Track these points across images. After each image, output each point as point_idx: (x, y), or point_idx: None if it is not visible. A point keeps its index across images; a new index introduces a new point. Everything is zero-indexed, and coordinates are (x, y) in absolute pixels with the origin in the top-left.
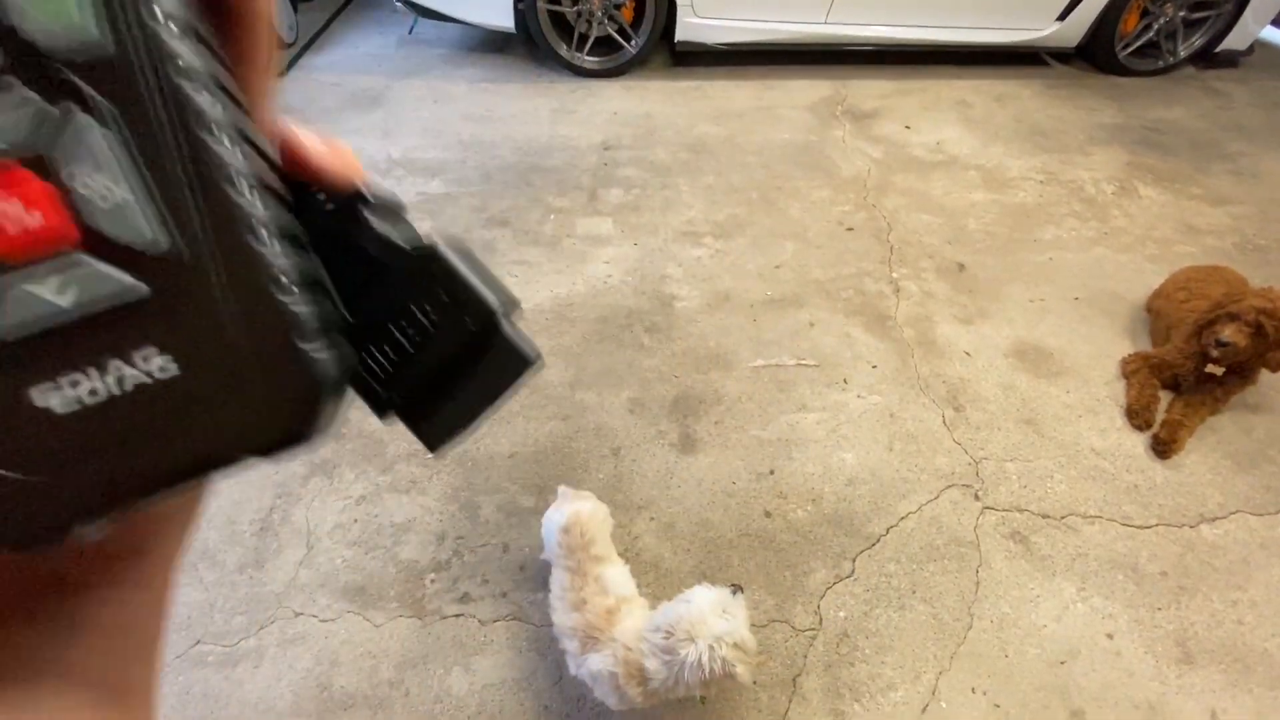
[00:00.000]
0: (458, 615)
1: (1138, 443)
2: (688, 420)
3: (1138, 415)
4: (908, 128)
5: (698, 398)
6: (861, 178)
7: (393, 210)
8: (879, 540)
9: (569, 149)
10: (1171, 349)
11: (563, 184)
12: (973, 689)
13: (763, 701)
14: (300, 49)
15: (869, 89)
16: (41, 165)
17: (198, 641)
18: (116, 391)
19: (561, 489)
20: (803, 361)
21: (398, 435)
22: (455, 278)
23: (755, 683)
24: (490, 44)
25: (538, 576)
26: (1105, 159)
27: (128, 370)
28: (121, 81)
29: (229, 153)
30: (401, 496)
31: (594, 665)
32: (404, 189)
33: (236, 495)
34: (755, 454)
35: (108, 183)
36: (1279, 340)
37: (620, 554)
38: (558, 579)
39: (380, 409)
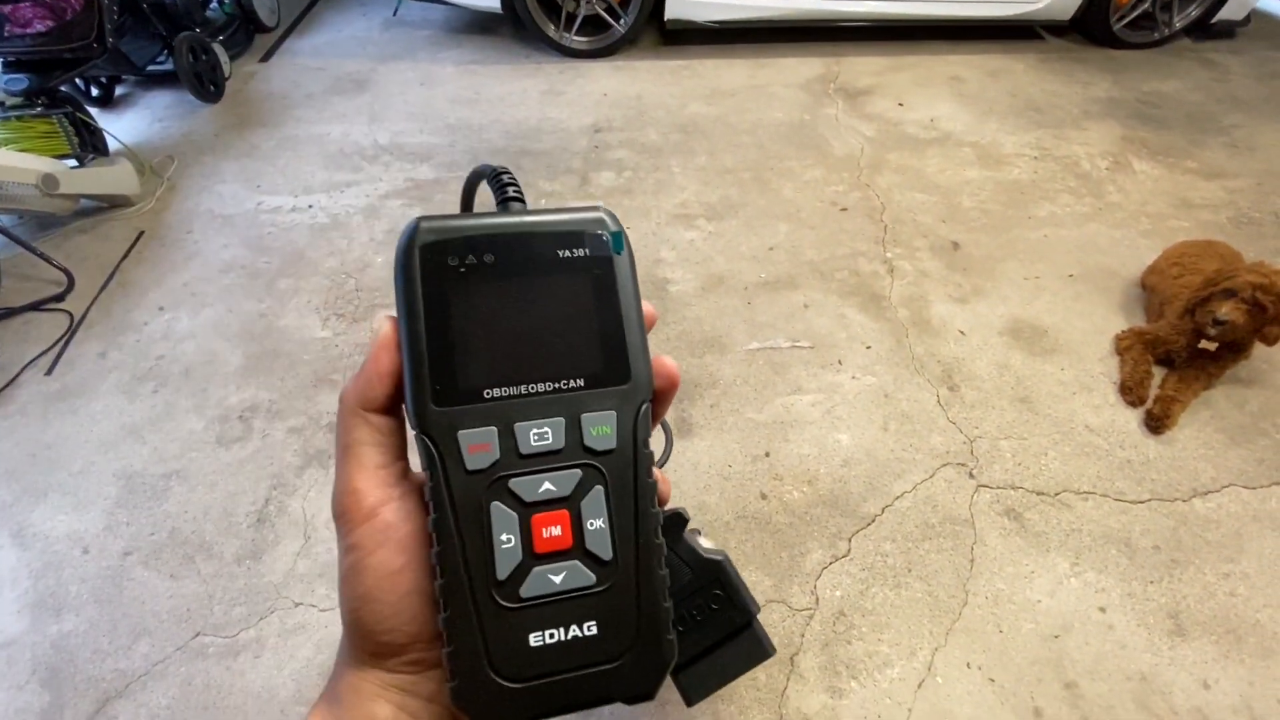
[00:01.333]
0: None
1: (1131, 419)
2: (683, 404)
3: (1131, 391)
4: (901, 105)
5: (693, 381)
6: (855, 156)
7: (689, 521)
8: (874, 520)
9: (559, 131)
10: (1165, 325)
11: (553, 167)
12: (968, 664)
13: (760, 680)
14: (283, 33)
15: (862, 66)
16: (567, 503)
17: (198, 633)
18: (564, 639)
19: None
20: (797, 343)
21: None
22: (729, 583)
23: None
24: (476, 25)
25: None
26: (1100, 133)
27: (574, 630)
28: (618, 468)
29: (655, 513)
30: None
31: None
32: (393, 175)
33: (232, 488)
34: (751, 437)
35: (597, 520)
36: (1277, 315)
37: None
38: None
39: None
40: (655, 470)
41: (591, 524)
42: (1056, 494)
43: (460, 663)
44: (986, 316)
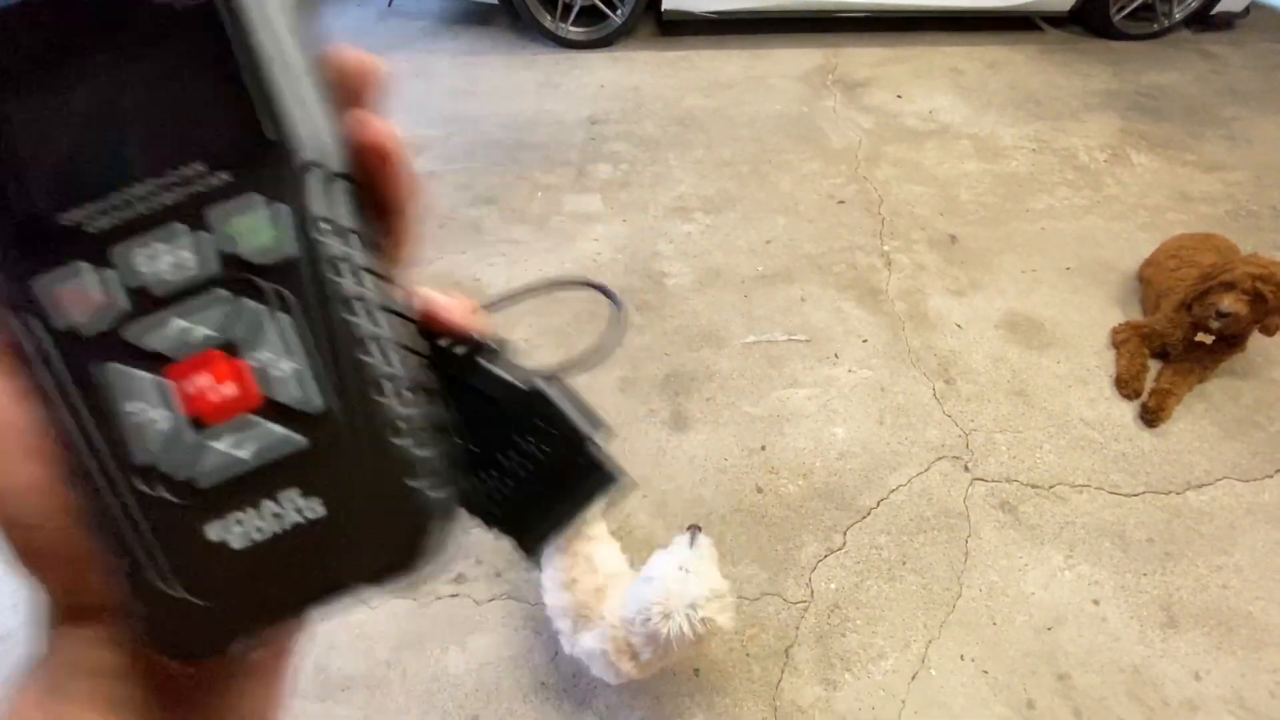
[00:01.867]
0: (453, 595)
1: (1126, 412)
2: (679, 398)
3: (1127, 385)
4: (899, 97)
5: (689, 375)
6: (853, 149)
7: (502, 352)
8: (870, 513)
9: (555, 124)
10: (1161, 318)
11: (550, 160)
12: (962, 656)
13: (755, 672)
14: None
15: (860, 57)
16: (231, 348)
17: None
18: (277, 530)
19: None
20: (794, 337)
21: None
22: (555, 411)
23: (748, 654)
24: (472, 15)
25: None
26: (1099, 126)
27: (288, 510)
28: (293, 279)
29: (369, 325)
30: None
31: (586, 644)
32: None
33: None
34: (747, 430)
35: (279, 358)
36: (1278, 305)
37: (613, 532)
38: (549, 559)
39: (488, 523)
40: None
41: (278, 367)
42: (1051, 487)
43: (135, 588)
44: (983, 310)
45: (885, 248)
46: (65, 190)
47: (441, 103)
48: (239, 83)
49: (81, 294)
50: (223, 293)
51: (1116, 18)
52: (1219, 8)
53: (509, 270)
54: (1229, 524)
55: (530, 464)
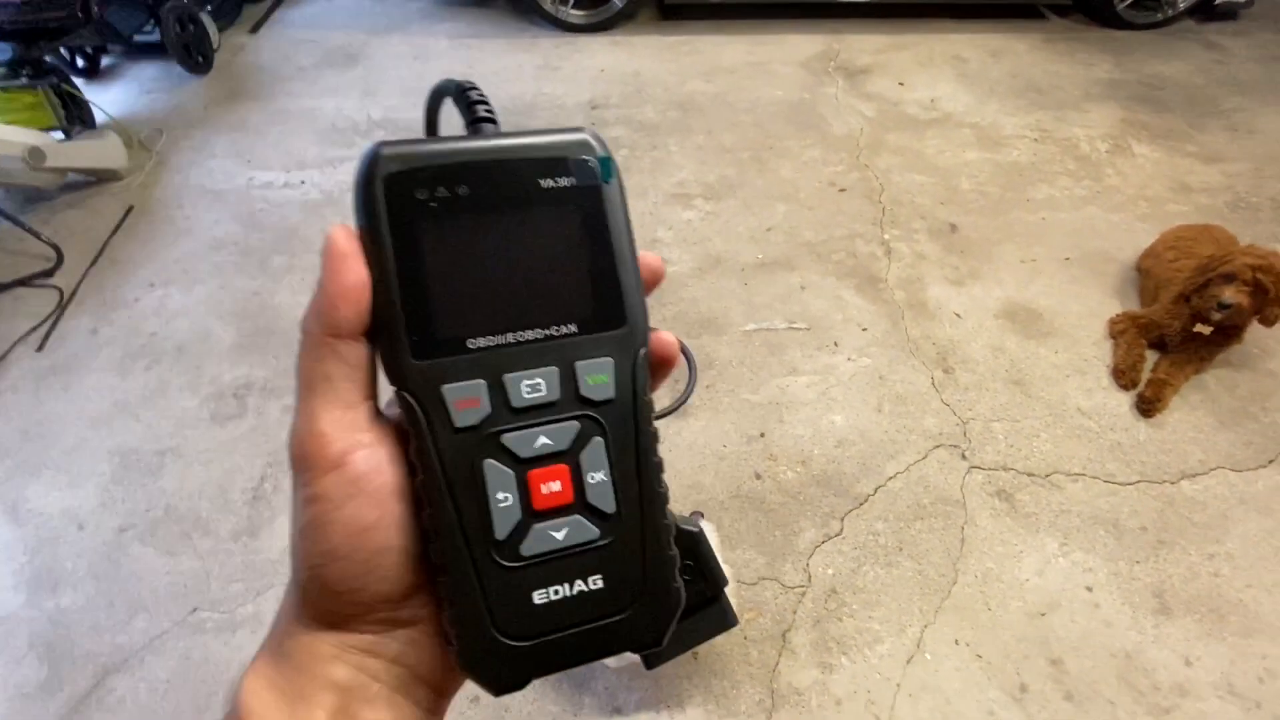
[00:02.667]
0: None
1: (1123, 402)
2: (679, 384)
3: (1124, 375)
4: (901, 84)
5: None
6: (854, 136)
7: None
8: (867, 500)
9: (555, 108)
10: (1159, 309)
11: None
12: (956, 641)
13: (753, 656)
14: (273, 3)
15: (862, 44)
16: (567, 458)
17: (195, 609)
18: (571, 595)
19: None
20: (794, 325)
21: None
22: (703, 555)
23: (745, 638)
24: None
25: None
26: (1100, 115)
27: (579, 585)
28: (617, 418)
29: (653, 457)
30: None
31: None
32: None
33: (227, 465)
34: (746, 417)
35: (598, 473)
36: (1278, 295)
37: None
38: None
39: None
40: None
41: (592, 477)
42: (1047, 475)
43: (464, 626)
44: (982, 299)
45: (885, 236)
46: (478, 323)
47: None
48: (613, 272)
49: (477, 403)
50: (571, 421)
51: (1120, 7)
52: None
53: None
54: (1222, 513)
55: None
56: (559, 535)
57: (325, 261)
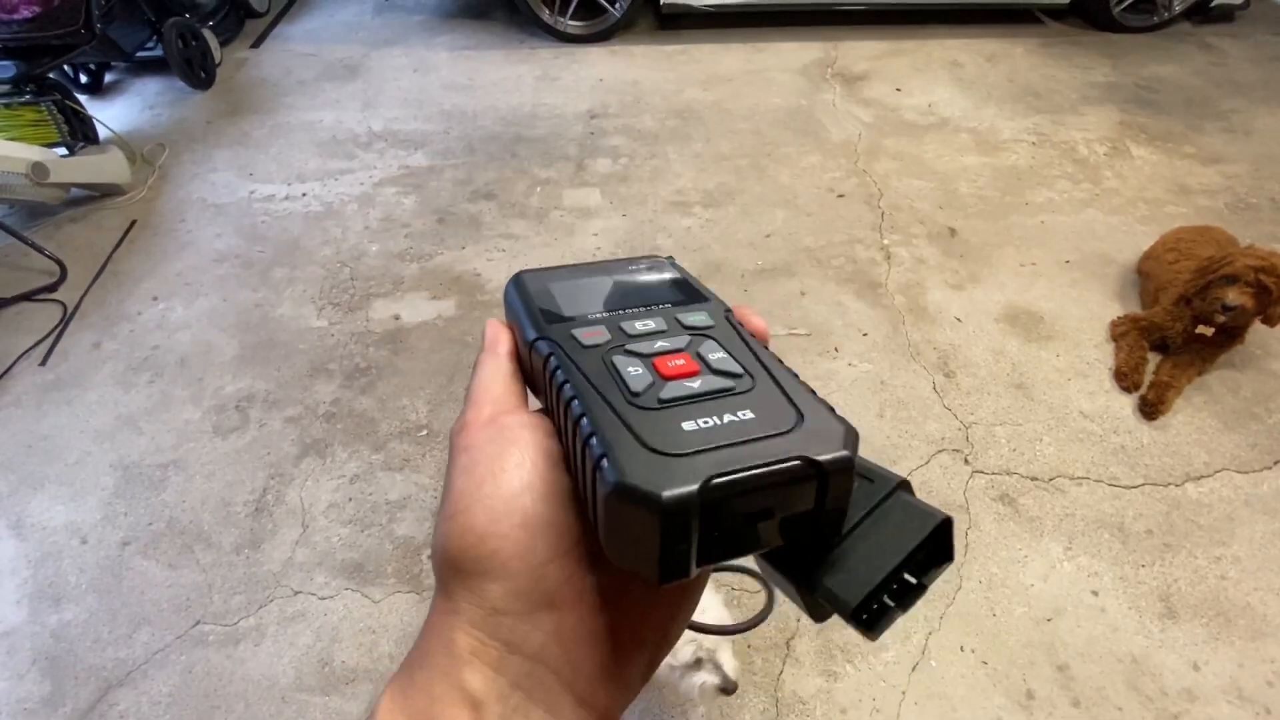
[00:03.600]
0: None
1: (1126, 404)
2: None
3: (1126, 377)
4: (899, 90)
5: None
6: (852, 142)
7: None
8: None
9: (554, 118)
10: (1160, 311)
11: (548, 154)
12: (961, 647)
13: (757, 664)
14: (274, 18)
15: (859, 50)
16: (687, 349)
17: (198, 622)
18: (719, 422)
19: None
20: (794, 331)
21: (389, 414)
22: (864, 467)
23: (749, 646)
24: (470, 9)
25: None
26: (1098, 119)
27: (729, 415)
28: (722, 333)
29: (770, 352)
30: (395, 474)
31: None
32: (386, 162)
33: (229, 477)
34: None
35: (717, 353)
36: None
37: None
38: None
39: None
40: None
41: (713, 356)
42: (1050, 479)
43: (615, 449)
44: (983, 303)
45: (885, 241)
46: (598, 309)
47: (440, 97)
48: (693, 285)
49: (601, 333)
50: (682, 335)
51: (1116, 10)
52: (1219, 0)
53: (509, 264)
54: (1227, 515)
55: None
56: (694, 384)
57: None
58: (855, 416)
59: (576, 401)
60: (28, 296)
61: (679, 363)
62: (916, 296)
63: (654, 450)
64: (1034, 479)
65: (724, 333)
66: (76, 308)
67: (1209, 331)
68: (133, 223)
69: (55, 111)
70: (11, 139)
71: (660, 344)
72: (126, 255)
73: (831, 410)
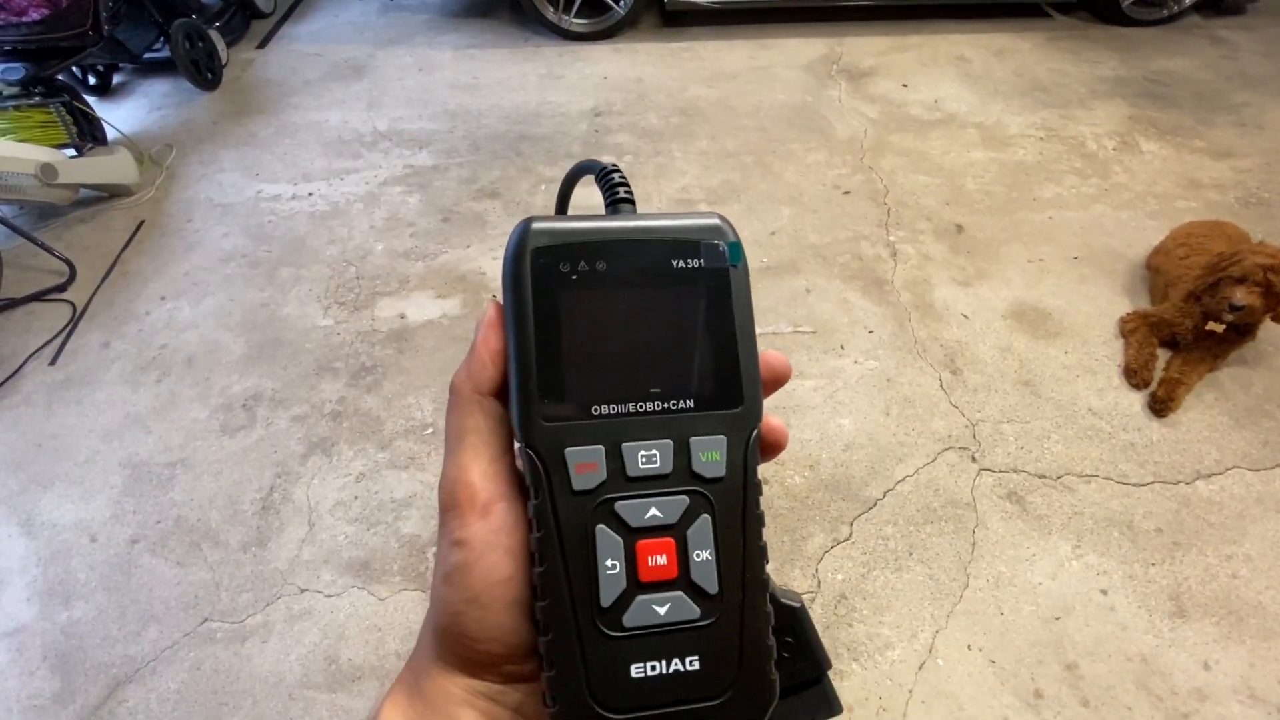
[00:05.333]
0: None
1: (1135, 401)
2: None
3: (1135, 374)
4: (905, 86)
5: None
6: (858, 139)
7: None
8: (876, 504)
9: (558, 116)
10: (1169, 307)
11: (553, 153)
12: (969, 646)
13: None
14: (280, 19)
15: (865, 46)
16: (674, 532)
17: (205, 619)
18: (665, 672)
19: None
20: (800, 329)
21: (395, 413)
22: (804, 634)
23: None
24: (474, 8)
25: None
26: (1107, 113)
27: (676, 664)
28: (726, 497)
29: (762, 546)
30: (401, 473)
31: None
32: (392, 161)
33: (236, 476)
34: None
35: (703, 552)
36: None
37: None
38: None
39: None
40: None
41: (698, 555)
42: (1059, 477)
43: (562, 689)
44: (990, 300)
45: (891, 238)
46: (604, 391)
47: (445, 96)
48: (733, 352)
49: (596, 468)
50: (681, 495)
51: (1125, 3)
52: None
53: None
54: (1239, 513)
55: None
56: (661, 610)
57: (480, 329)
58: (861, 414)
59: (545, 605)
60: (37, 297)
61: (660, 560)
62: (923, 293)
63: (597, 704)
64: (1042, 477)
65: (725, 499)
66: (85, 308)
67: (1219, 328)
68: (141, 223)
69: (64, 113)
70: (21, 140)
71: (652, 512)
72: (135, 255)
73: (770, 663)
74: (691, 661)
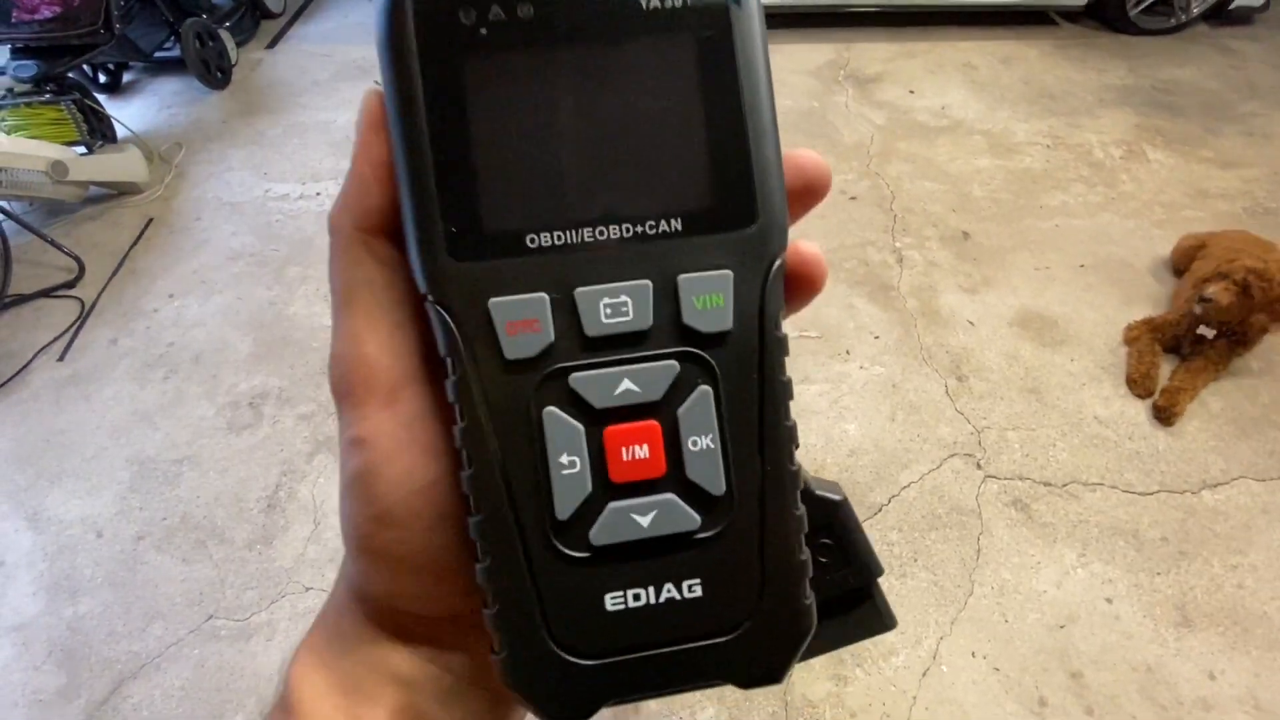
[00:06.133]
0: None
1: (1141, 410)
2: None
3: (1137, 384)
4: (912, 92)
5: None
6: (864, 145)
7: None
8: (881, 510)
9: None
10: (1172, 309)
11: None
12: (973, 653)
13: None
14: (290, 19)
15: (872, 52)
16: (660, 414)
17: (210, 616)
18: (654, 602)
19: None
20: (805, 333)
21: None
22: (850, 531)
23: None
24: None
25: None
26: (1114, 121)
27: (669, 590)
28: (735, 360)
29: (789, 427)
30: None
31: None
32: None
33: (242, 474)
34: None
35: (702, 438)
36: (1264, 302)
37: None
38: None
39: None
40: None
41: (694, 443)
42: (1064, 485)
43: (508, 629)
44: (996, 307)
45: (897, 244)
46: (542, 212)
47: None
48: (741, 143)
49: (536, 326)
50: (668, 360)
51: (1133, 12)
52: (1237, 1)
53: None
54: (1244, 523)
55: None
56: (643, 520)
57: (358, 133)
58: (866, 420)
59: (478, 521)
60: (47, 293)
61: (640, 452)
62: (929, 300)
63: (559, 647)
64: (1047, 484)
65: (734, 363)
66: (94, 304)
67: (1210, 333)
68: (150, 221)
69: (74, 110)
70: (32, 137)
71: (625, 386)
72: (143, 253)
73: (803, 582)
74: (691, 586)
